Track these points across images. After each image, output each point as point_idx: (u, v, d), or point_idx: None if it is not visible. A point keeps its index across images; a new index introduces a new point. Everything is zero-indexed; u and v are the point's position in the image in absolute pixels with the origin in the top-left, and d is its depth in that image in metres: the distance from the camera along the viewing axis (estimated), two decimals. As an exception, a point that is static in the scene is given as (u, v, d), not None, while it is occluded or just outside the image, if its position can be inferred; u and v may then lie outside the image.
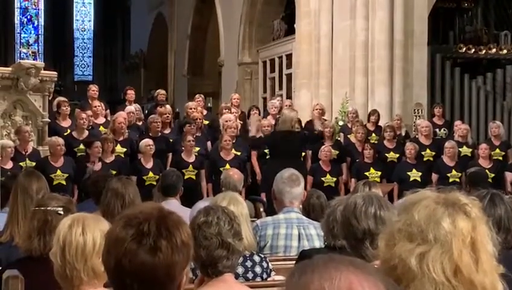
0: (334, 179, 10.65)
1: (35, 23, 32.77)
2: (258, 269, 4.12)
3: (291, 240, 4.92)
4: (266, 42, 18.45)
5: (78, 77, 33.41)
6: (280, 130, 10.20)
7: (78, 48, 33.96)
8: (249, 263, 4.10)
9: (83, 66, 34.01)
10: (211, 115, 14.20)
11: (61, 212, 3.52)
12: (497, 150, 11.38)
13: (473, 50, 14.99)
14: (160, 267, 1.95)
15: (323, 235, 4.38)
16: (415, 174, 10.69)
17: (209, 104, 19.70)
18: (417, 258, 1.70)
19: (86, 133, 10.68)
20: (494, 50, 15.09)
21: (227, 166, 9.84)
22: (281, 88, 17.41)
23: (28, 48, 32.33)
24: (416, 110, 13.59)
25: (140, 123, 12.15)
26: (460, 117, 14.18)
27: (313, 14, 14.52)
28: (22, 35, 32.51)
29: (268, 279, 4.13)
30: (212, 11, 21.38)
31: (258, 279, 4.09)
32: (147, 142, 10.15)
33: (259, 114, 12.80)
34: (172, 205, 6.42)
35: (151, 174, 9.93)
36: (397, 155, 11.32)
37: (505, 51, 15.15)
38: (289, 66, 16.73)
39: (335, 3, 14.09)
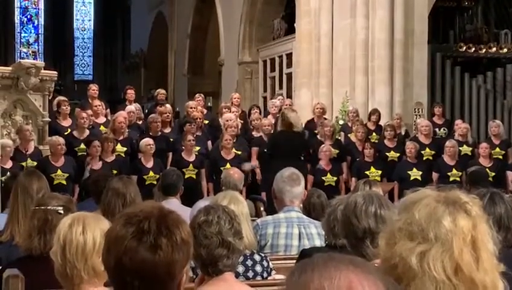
0: (335, 178, 10.65)
1: (36, 23, 32.78)
2: (258, 268, 4.13)
3: (292, 239, 4.92)
4: (266, 41, 18.46)
5: (78, 76, 33.42)
6: (283, 130, 10.18)
7: (78, 47, 33.98)
8: (249, 262, 4.11)
9: (83, 65, 34.02)
10: (210, 114, 14.21)
11: (61, 212, 3.52)
12: (497, 149, 11.38)
13: (473, 49, 14.98)
14: (160, 265, 1.96)
15: (323, 234, 4.39)
16: (415, 173, 10.69)
17: (209, 104, 19.70)
18: (418, 257, 1.70)
19: (87, 132, 10.68)
20: (494, 49, 15.09)
21: (228, 165, 9.84)
22: (281, 87, 17.41)
23: (28, 48, 32.35)
24: (416, 110, 13.59)
25: (140, 122, 12.16)
26: (460, 116, 14.18)
27: (313, 13, 14.52)
28: (22, 34, 32.52)
29: (269, 278, 4.13)
30: (212, 10, 21.38)
31: (259, 278, 4.10)
32: (147, 142, 10.15)
33: (260, 113, 12.80)
34: (173, 204, 6.42)
35: (151, 173, 9.93)
36: (398, 154, 11.32)
37: (505, 50, 15.14)
38: (289, 65, 16.73)
39: (335, 2, 14.09)
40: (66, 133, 10.64)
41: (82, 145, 10.33)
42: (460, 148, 11.25)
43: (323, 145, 10.90)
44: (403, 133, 12.67)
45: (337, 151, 11.21)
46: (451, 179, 10.55)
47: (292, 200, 5.01)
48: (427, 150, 11.42)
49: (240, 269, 4.02)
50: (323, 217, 4.18)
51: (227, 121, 11.28)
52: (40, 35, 32.81)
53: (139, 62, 29.24)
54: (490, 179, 10.18)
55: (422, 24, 13.70)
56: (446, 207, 1.77)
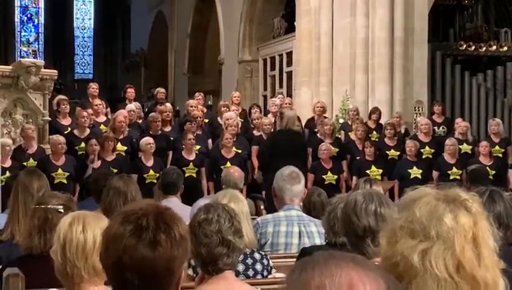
0: (335, 176, 10.65)
1: (36, 22, 32.78)
2: (258, 267, 4.13)
3: (292, 238, 4.92)
4: (266, 40, 18.45)
5: (79, 75, 33.42)
6: (282, 129, 10.17)
7: (78, 46, 33.98)
8: (249, 261, 4.11)
9: (83, 64, 34.02)
10: (210, 113, 14.21)
11: (62, 210, 3.52)
12: (497, 147, 11.39)
13: (473, 47, 14.97)
14: (160, 261, 1.96)
15: (324, 233, 4.39)
16: (415, 172, 10.69)
17: (209, 102, 19.71)
18: (419, 254, 1.70)
19: (87, 131, 10.69)
20: (494, 47, 15.08)
21: (228, 164, 9.84)
22: (281, 86, 17.40)
23: (28, 47, 32.35)
24: (416, 108, 13.58)
25: (140, 121, 12.16)
26: (460, 114, 14.18)
27: (313, 11, 14.52)
28: (22, 33, 32.52)
29: (269, 276, 4.14)
30: (212, 9, 21.38)
31: (259, 276, 4.10)
32: (147, 141, 10.15)
33: (260, 112, 12.80)
34: (173, 203, 6.42)
35: (151, 172, 9.93)
36: (398, 153, 11.33)
37: (505, 48, 15.13)
38: (289, 64, 16.73)
39: (335, 1, 14.08)
40: (66, 132, 10.65)
41: (82, 144, 10.34)
42: (460, 146, 11.25)
43: (322, 143, 10.90)
44: (403, 131, 12.67)
45: (337, 149, 11.21)
46: (451, 177, 10.55)
47: (292, 199, 5.01)
48: (427, 148, 11.44)
49: (240, 267, 4.02)
50: (324, 215, 4.18)
51: (227, 120, 11.28)
52: (40, 34, 32.81)
53: (139, 61, 29.24)
54: (490, 177, 10.17)
55: (422, 22, 13.69)
56: (447, 205, 1.77)
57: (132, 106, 12.26)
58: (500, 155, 11.35)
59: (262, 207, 8.23)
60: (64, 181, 9.54)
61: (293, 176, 5.01)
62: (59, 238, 2.79)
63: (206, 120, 12.40)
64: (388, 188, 9.95)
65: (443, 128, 12.51)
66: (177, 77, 24.81)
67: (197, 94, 13.59)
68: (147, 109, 14.07)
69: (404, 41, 13.39)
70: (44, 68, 10.47)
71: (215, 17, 21.17)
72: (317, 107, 12.62)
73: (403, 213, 1.79)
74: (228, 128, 10.92)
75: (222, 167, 9.64)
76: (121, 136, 10.57)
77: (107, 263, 2.00)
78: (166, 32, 25.85)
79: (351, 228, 3.08)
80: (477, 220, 1.76)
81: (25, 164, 9.49)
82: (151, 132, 10.92)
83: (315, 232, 4.94)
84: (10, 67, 10.16)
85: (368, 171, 10.48)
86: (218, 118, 12.35)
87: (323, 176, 10.54)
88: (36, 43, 32.67)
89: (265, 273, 4.14)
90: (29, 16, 32.75)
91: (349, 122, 12.31)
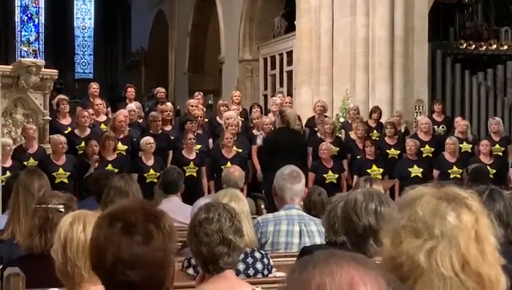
0: (336, 175, 10.65)
1: (36, 22, 32.78)
2: (259, 266, 4.13)
3: (292, 237, 4.92)
4: (267, 39, 18.46)
5: (79, 75, 33.43)
6: (282, 127, 10.17)
7: (78, 46, 33.99)
8: (250, 260, 4.11)
9: (83, 64, 34.03)
10: (210, 112, 14.21)
11: (62, 210, 3.52)
12: (497, 146, 11.39)
13: (474, 46, 14.97)
14: (156, 253, 1.98)
15: (324, 232, 4.39)
16: (416, 171, 10.70)
17: (210, 102, 19.71)
18: (426, 254, 1.70)
19: (88, 131, 10.69)
20: (494, 46, 15.07)
21: (229, 164, 9.84)
22: (281, 85, 17.41)
23: (29, 46, 32.35)
24: (417, 107, 13.58)
25: (141, 121, 12.16)
26: (461, 113, 14.17)
27: (313, 11, 14.51)
28: (23, 33, 32.52)
29: (270, 275, 4.14)
30: (213, 8, 21.38)
31: (259, 275, 4.10)
32: (147, 140, 10.16)
33: (261, 112, 12.80)
34: (174, 202, 6.43)
35: (152, 171, 9.94)
36: (398, 152, 11.33)
37: (505, 47, 15.13)
38: (290, 63, 16.73)
39: (335, 0, 14.08)
40: (67, 132, 10.65)
41: (83, 144, 10.34)
42: (461, 145, 11.25)
43: (323, 143, 10.90)
44: (403, 130, 12.67)
45: (337, 149, 11.21)
46: (451, 176, 10.56)
47: (293, 198, 5.01)
48: (427, 147, 11.44)
49: (241, 266, 4.02)
50: (324, 214, 4.18)
51: (227, 119, 11.29)
52: (40, 34, 32.82)
53: (140, 60, 29.24)
54: (491, 176, 10.17)
55: (422, 21, 13.69)
56: (448, 203, 1.77)
57: (133, 105, 12.26)
58: (501, 154, 11.36)
59: (262, 206, 8.24)
60: (65, 181, 9.54)
61: (293, 175, 5.01)
62: (60, 237, 2.79)
63: (206, 119, 12.41)
64: (388, 187, 9.95)
65: (443, 127, 12.51)
66: (177, 76, 24.81)
67: (196, 93, 13.59)
68: (147, 109, 14.07)
69: (404, 40, 13.39)
70: (44, 68, 10.47)
71: (216, 16, 21.17)
72: (318, 106, 12.62)
73: (405, 213, 1.79)
74: (228, 128, 10.92)
75: (223, 166, 9.64)
76: (121, 136, 10.57)
77: (104, 267, 1.99)
78: (166, 31, 25.85)
79: (351, 227, 3.08)
80: (479, 218, 1.77)
81: (25, 163, 9.50)
82: (151, 131, 10.92)
83: (315, 232, 4.94)
84: (10, 67, 10.16)
85: (368, 171, 10.48)
86: (217, 118, 12.35)
87: (324, 175, 10.54)
88: (36, 42, 32.68)
89: (265, 272, 4.15)
90: (29, 15, 32.75)
91: (350, 122, 12.31)
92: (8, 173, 8.17)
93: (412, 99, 13.57)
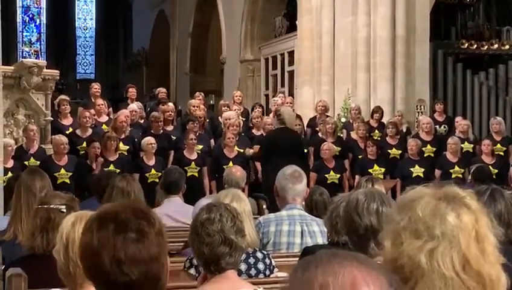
0: (338, 175, 10.65)
1: (37, 22, 32.80)
2: (261, 266, 4.13)
3: (294, 237, 4.92)
4: (268, 39, 18.45)
5: (81, 75, 33.45)
6: (281, 127, 10.15)
7: (80, 46, 34.01)
8: (251, 260, 4.11)
9: (85, 64, 34.05)
10: (211, 112, 14.22)
11: (64, 210, 3.52)
12: (498, 146, 11.38)
13: (475, 46, 14.96)
14: (151, 249, 1.99)
15: (326, 232, 4.38)
16: (417, 170, 10.69)
17: (211, 102, 19.71)
18: (427, 254, 1.70)
19: (90, 131, 10.70)
20: (496, 45, 15.06)
21: (231, 163, 9.85)
22: (283, 85, 17.40)
23: (30, 47, 32.36)
24: (418, 107, 13.57)
25: (142, 121, 12.16)
26: (462, 113, 14.16)
27: (314, 10, 14.51)
28: (24, 33, 32.54)
29: (271, 276, 4.14)
30: (214, 8, 21.38)
31: (261, 276, 4.10)
32: (148, 141, 10.17)
33: (263, 112, 12.80)
34: (175, 202, 6.43)
35: (153, 171, 9.94)
36: (399, 151, 11.33)
37: (507, 47, 15.11)
38: (291, 63, 16.73)
39: (336, 0, 14.07)
40: (68, 132, 10.65)
41: (84, 144, 10.34)
42: (462, 145, 11.25)
43: (324, 143, 10.90)
44: (405, 130, 12.66)
45: (339, 148, 11.21)
46: (453, 176, 10.55)
47: (294, 198, 5.01)
48: (428, 146, 11.44)
49: (243, 267, 4.02)
50: (326, 214, 4.18)
51: (226, 119, 11.31)
52: (42, 34, 32.83)
53: (141, 61, 29.25)
54: (493, 176, 10.17)
55: (423, 21, 13.68)
56: (448, 203, 1.77)
57: (134, 106, 12.25)
58: (502, 154, 11.35)
59: (264, 206, 8.22)
60: (67, 181, 9.54)
61: (295, 175, 5.01)
62: (62, 238, 2.80)
63: (207, 120, 12.42)
64: (390, 187, 9.94)
65: (445, 127, 12.51)
66: (179, 76, 24.81)
67: (197, 94, 13.59)
68: (149, 109, 14.07)
69: (405, 40, 13.38)
70: (46, 68, 10.48)
71: (217, 16, 21.17)
72: (319, 106, 12.63)
73: (404, 214, 1.79)
74: (230, 128, 10.92)
75: (225, 166, 9.64)
76: (123, 136, 10.58)
77: (102, 269, 1.98)
78: (167, 31, 25.85)
79: (352, 227, 3.08)
80: (478, 217, 1.77)
81: (26, 163, 9.50)
82: (152, 131, 10.93)
83: (317, 232, 4.94)
84: (12, 67, 10.17)
85: (370, 170, 10.48)
86: (219, 118, 12.36)
87: (326, 175, 10.54)
88: (38, 43, 32.70)
89: (267, 272, 4.14)
90: (31, 16, 32.77)
91: (351, 121, 12.30)
92: (9, 174, 8.17)
93: (413, 99, 13.56)
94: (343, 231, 3.36)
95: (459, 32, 15.45)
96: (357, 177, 10.57)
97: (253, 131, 11.83)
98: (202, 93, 13.86)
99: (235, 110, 12.40)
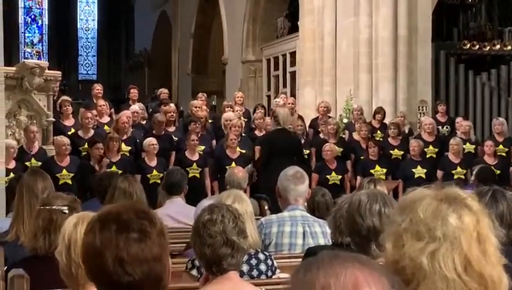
0: (339, 176, 10.65)
1: (39, 23, 32.81)
2: (262, 267, 4.13)
3: (296, 238, 4.92)
4: (270, 40, 18.46)
5: (83, 76, 33.46)
6: (278, 128, 10.12)
7: (82, 47, 34.02)
8: (253, 261, 4.11)
9: (87, 65, 34.06)
10: (213, 113, 14.21)
11: (66, 211, 3.52)
12: (501, 146, 11.38)
13: (477, 46, 14.96)
14: (153, 248, 1.99)
15: (328, 233, 4.38)
16: (419, 171, 10.69)
17: (213, 103, 19.71)
18: (428, 256, 1.70)
19: (92, 132, 10.70)
20: (498, 46, 15.06)
21: (233, 164, 9.85)
22: (285, 86, 17.40)
23: (32, 48, 32.36)
24: (420, 107, 13.57)
25: (144, 122, 12.16)
26: (464, 114, 14.15)
27: (316, 11, 14.51)
28: (26, 34, 32.56)
29: (273, 277, 4.14)
30: (216, 9, 21.39)
31: (263, 277, 4.10)
32: (150, 141, 10.18)
33: (265, 113, 12.80)
34: (177, 203, 6.43)
35: (155, 172, 9.95)
36: (401, 152, 11.33)
37: (509, 47, 15.11)
38: (293, 63, 16.73)
39: (338, 1, 14.07)
40: (70, 133, 10.65)
41: (86, 145, 10.35)
42: (464, 146, 11.24)
43: (326, 144, 10.90)
44: (407, 131, 12.66)
45: (341, 149, 11.21)
46: (455, 176, 10.54)
47: (296, 199, 5.01)
48: (431, 147, 11.45)
49: (245, 268, 4.02)
50: (328, 215, 4.18)
51: (227, 120, 11.32)
52: (44, 35, 32.84)
53: (143, 61, 29.27)
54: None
55: (425, 21, 13.68)
56: (449, 205, 1.77)
57: (136, 107, 12.25)
58: (504, 154, 11.34)
59: (266, 207, 8.22)
60: (69, 182, 9.55)
61: (297, 176, 5.01)
62: (64, 239, 2.80)
63: (210, 120, 12.42)
64: (392, 188, 9.94)
65: (447, 127, 12.50)
66: (180, 77, 24.82)
67: (200, 94, 13.59)
68: (151, 110, 14.07)
69: (407, 40, 13.38)
70: (48, 69, 10.49)
71: (219, 17, 21.18)
72: (321, 107, 12.62)
73: (405, 215, 1.79)
74: (232, 129, 10.93)
75: (227, 167, 9.64)
76: (125, 137, 10.58)
77: (105, 270, 1.98)
78: (169, 32, 25.86)
79: (355, 228, 3.08)
80: (480, 218, 1.77)
81: (27, 164, 9.50)
82: (154, 132, 10.93)
83: (319, 233, 4.94)
84: (14, 68, 10.18)
85: (372, 171, 10.48)
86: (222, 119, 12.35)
87: (327, 176, 10.54)
88: (40, 44, 32.71)
89: (269, 273, 4.14)
90: (33, 17, 32.78)
91: (353, 122, 12.30)
92: (11, 175, 8.17)
93: (415, 100, 13.56)
94: (346, 232, 3.36)
95: (461, 33, 15.45)
96: (358, 178, 10.57)
97: (256, 132, 11.83)
98: (205, 94, 13.85)
99: (237, 111, 12.40)
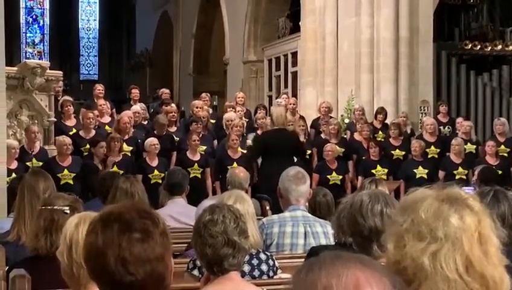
0: (340, 177, 10.65)
1: (41, 23, 32.84)
2: (264, 267, 4.13)
3: (298, 238, 4.92)
4: (271, 40, 18.45)
5: (84, 76, 33.48)
6: (273, 129, 10.11)
7: (83, 47, 34.05)
8: (255, 261, 4.11)
9: (88, 65, 34.08)
10: (215, 113, 14.21)
11: (68, 211, 3.52)
12: (502, 147, 11.37)
13: (479, 47, 14.95)
14: (156, 248, 1.99)
15: (329, 233, 4.38)
16: (421, 172, 10.68)
17: (214, 103, 19.72)
18: (430, 257, 1.70)
19: (93, 132, 10.71)
20: (499, 46, 15.06)
21: (235, 164, 9.84)
22: (286, 86, 17.40)
23: (34, 48, 32.39)
24: (422, 108, 13.57)
25: (145, 123, 12.16)
26: (466, 114, 14.16)
27: (318, 11, 14.50)
28: (28, 34, 32.59)
29: (275, 277, 4.14)
30: (217, 9, 21.40)
31: (265, 277, 4.10)
32: (151, 141, 10.18)
33: (266, 113, 12.80)
34: (179, 203, 6.43)
35: (156, 172, 9.95)
36: (403, 152, 11.32)
37: (510, 48, 15.11)
38: (294, 64, 16.72)
39: (340, 1, 14.07)
40: (72, 133, 10.65)
41: (88, 145, 10.35)
42: (465, 146, 11.23)
43: (327, 144, 10.90)
44: (409, 131, 12.66)
45: (342, 149, 11.21)
46: (457, 177, 10.53)
47: (298, 199, 5.00)
48: (432, 148, 11.45)
49: (246, 268, 4.02)
50: (329, 216, 4.17)
51: (228, 121, 11.31)
52: (45, 35, 32.87)
53: (144, 61, 29.28)
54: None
55: (427, 22, 13.68)
56: (451, 205, 1.77)
57: (137, 107, 12.26)
58: (506, 155, 11.33)
59: (267, 207, 8.22)
60: (71, 182, 9.54)
61: (298, 177, 5.01)
62: (65, 239, 2.80)
63: (213, 121, 12.42)
64: (393, 188, 9.94)
65: (448, 128, 12.50)
66: (182, 77, 24.82)
67: (203, 95, 13.58)
68: (152, 110, 14.07)
69: (409, 41, 13.38)
70: (49, 69, 10.48)
71: (220, 17, 21.19)
72: (323, 107, 12.62)
73: (407, 216, 1.79)
74: (234, 129, 10.93)
75: (229, 167, 9.63)
76: (126, 137, 10.59)
77: (107, 270, 1.98)
78: (171, 32, 25.86)
79: (357, 228, 3.08)
80: (481, 219, 1.77)
81: (28, 164, 9.50)
82: (155, 132, 10.93)
83: (321, 233, 4.93)
84: (15, 68, 10.18)
85: (373, 171, 10.48)
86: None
87: (328, 176, 10.54)
88: (41, 44, 32.74)
89: (271, 274, 4.14)
90: (34, 17, 32.81)
91: (355, 122, 12.30)
92: (13, 175, 8.17)
93: (416, 100, 13.56)
94: (348, 232, 3.36)
95: (462, 33, 15.46)
96: (360, 178, 10.57)
97: (258, 132, 11.81)
98: (208, 94, 13.85)
99: (238, 111, 12.40)
